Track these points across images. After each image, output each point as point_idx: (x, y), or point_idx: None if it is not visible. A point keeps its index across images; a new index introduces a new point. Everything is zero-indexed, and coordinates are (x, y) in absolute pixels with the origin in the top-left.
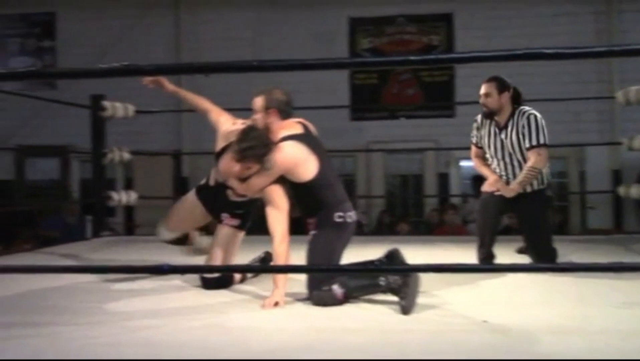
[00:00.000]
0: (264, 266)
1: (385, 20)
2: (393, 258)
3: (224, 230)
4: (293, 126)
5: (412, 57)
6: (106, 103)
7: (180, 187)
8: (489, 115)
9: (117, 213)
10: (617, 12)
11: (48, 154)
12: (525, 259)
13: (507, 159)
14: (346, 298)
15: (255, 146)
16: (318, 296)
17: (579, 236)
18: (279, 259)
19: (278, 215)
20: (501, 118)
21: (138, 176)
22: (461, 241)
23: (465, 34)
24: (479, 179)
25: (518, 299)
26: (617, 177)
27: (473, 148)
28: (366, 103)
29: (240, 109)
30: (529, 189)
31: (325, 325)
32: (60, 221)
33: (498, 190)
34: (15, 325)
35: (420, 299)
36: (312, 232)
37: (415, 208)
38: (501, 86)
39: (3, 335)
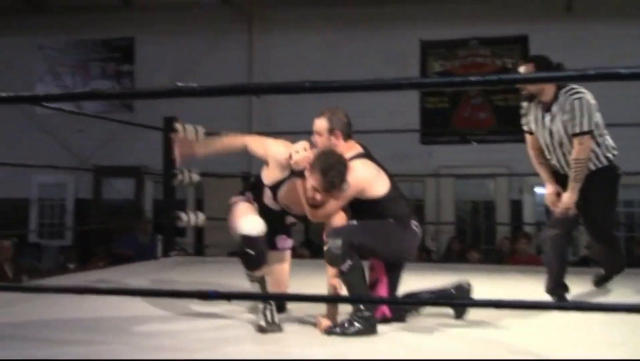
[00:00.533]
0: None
1: (458, 43)
2: (461, 290)
3: (279, 257)
4: (355, 147)
5: (472, 78)
6: (178, 125)
7: None
8: (529, 98)
9: (187, 233)
10: None
11: (124, 174)
12: (604, 293)
13: (558, 149)
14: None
15: (340, 173)
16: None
17: None
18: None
19: None
20: (545, 100)
21: (208, 197)
22: (533, 271)
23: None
24: None
25: (593, 337)
26: None
27: (527, 138)
28: (437, 127)
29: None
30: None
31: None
32: (133, 240)
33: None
34: (70, 343)
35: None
36: (391, 220)
37: (486, 235)
38: (540, 64)
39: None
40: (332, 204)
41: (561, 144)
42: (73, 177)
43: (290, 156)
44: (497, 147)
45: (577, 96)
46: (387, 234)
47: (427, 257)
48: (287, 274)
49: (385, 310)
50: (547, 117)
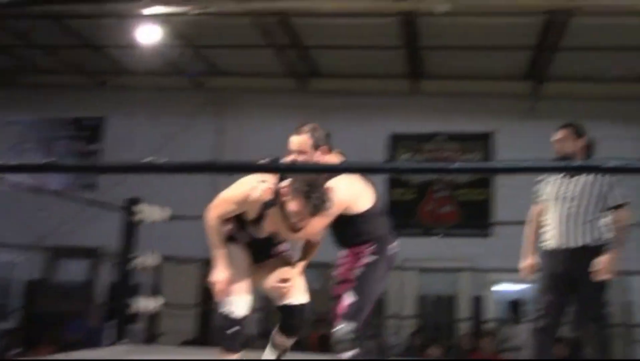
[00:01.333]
0: None
1: (426, 137)
2: None
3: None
4: (340, 157)
5: (453, 167)
6: (141, 206)
7: (207, 296)
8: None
9: (140, 319)
10: None
11: (80, 255)
12: None
13: (575, 216)
14: None
15: (322, 195)
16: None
17: None
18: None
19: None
20: None
21: (165, 282)
22: None
23: (505, 153)
24: (516, 304)
25: None
26: None
27: (534, 209)
28: (402, 219)
29: None
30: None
31: None
32: (83, 325)
33: None
34: None
35: None
36: (370, 258)
37: (447, 331)
38: (578, 131)
39: None
40: (317, 223)
41: (583, 213)
42: (25, 257)
43: (250, 195)
44: (461, 241)
45: None
46: (378, 287)
47: (387, 352)
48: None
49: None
50: (577, 187)
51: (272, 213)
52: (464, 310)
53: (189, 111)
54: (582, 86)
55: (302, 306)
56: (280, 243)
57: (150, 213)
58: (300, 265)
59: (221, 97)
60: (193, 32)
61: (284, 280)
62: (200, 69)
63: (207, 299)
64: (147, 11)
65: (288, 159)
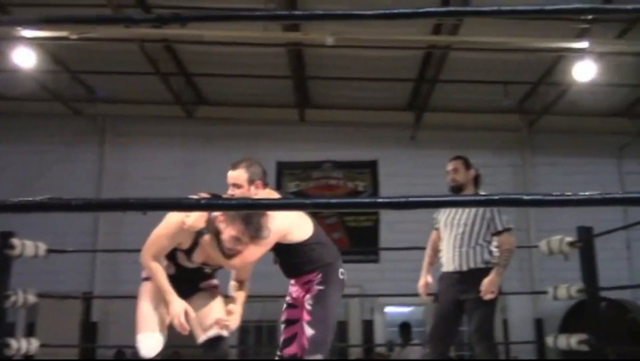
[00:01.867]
0: None
1: (312, 165)
2: None
3: (204, 295)
4: (274, 194)
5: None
6: (15, 241)
7: (89, 333)
8: (456, 190)
9: None
10: (531, 166)
11: None
12: None
13: (467, 242)
14: None
15: (261, 219)
16: None
17: None
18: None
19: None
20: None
21: (42, 320)
22: None
23: (389, 181)
24: (406, 326)
25: None
26: (539, 326)
27: (433, 235)
28: None
29: None
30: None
31: None
32: None
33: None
34: None
35: None
36: (319, 287)
37: (339, 355)
38: (467, 163)
39: None
40: (253, 251)
41: (469, 238)
42: None
43: (184, 222)
44: (350, 267)
45: None
46: (331, 311)
47: None
48: (213, 310)
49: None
50: (464, 214)
51: (206, 241)
52: (354, 334)
53: (68, 140)
54: (460, 117)
55: (215, 339)
56: (211, 276)
57: (24, 248)
58: (238, 303)
59: (103, 124)
60: (73, 57)
61: (223, 319)
62: (80, 94)
63: (89, 336)
64: (24, 34)
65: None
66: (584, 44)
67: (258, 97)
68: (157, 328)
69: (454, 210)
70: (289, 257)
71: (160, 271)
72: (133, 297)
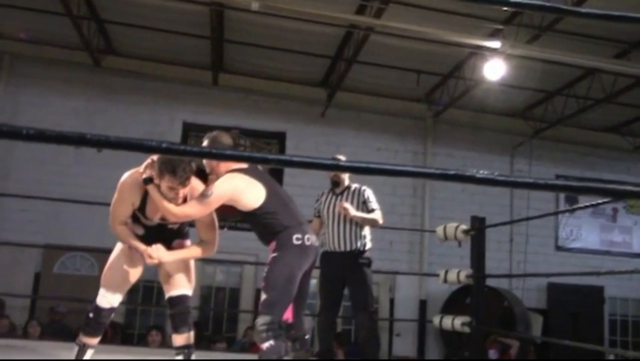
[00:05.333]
0: None
1: (220, 129)
2: None
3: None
4: (238, 164)
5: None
6: None
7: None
8: (335, 185)
9: None
10: (431, 155)
11: None
12: None
13: (342, 226)
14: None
15: (188, 166)
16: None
17: None
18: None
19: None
20: (341, 188)
21: None
22: None
23: (296, 153)
24: None
25: None
26: (423, 306)
27: (314, 221)
28: None
29: None
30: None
31: None
32: None
33: None
34: None
35: None
36: (273, 254)
37: (229, 323)
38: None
39: None
40: (195, 205)
41: (344, 223)
42: None
43: (124, 181)
44: (246, 235)
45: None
46: (291, 275)
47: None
48: (181, 265)
49: (289, 315)
50: (339, 199)
51: (150, 191)
52: (246, 302)
53: None
54: (370, 99)
55: (179, 297)
56: (183, 235)
57: None
58: (182, 254)
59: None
60: None
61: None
62: None
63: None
64: None
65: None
66: (496, 44)
67: (171, 54)
68: (115, 289)
69: (334, 200)
70: (252, 226)
71: (125, 232)
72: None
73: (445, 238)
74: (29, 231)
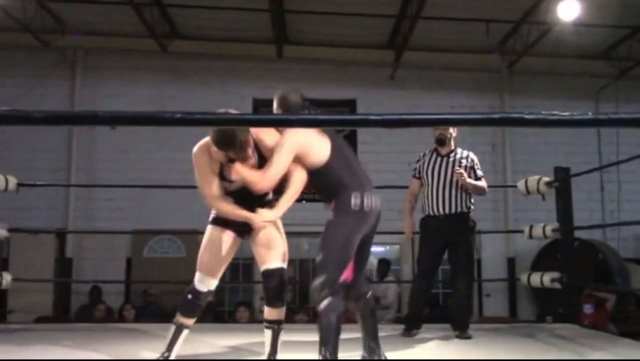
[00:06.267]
0: None
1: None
2: None
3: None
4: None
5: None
6: None
7: (64, 269)
8: (442, 143)
9: None
10: (509, 107)
11: None
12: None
13: (447, 189)
14: None
15: (237, 133)
16: None
17: (477, 324)
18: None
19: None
20: (447, 150)
21: (15, 256)
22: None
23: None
24: (384, 262)
25: None
26: (512, 265)
27: (413, 182)
28: None
29: None
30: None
31: None
32: None
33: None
34: None
35: None
36: (331, 216)
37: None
38: None
39: None
40: (270, 166)
41: (450, 186)
42: None
43: (197, 151)
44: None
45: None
46: (347, 241)
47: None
48: (276, 239)
49: (348, 274)
50: (444, 162)
51: (233, 172)
52: None
53: (37, 73)
54: (440, 56)
55: (275, 271)
56: (271, 205)
57: None
58: (271, 215)
59: (74, 57)
60: None
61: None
62: (49, 25)
63: (64, 271)
64: None
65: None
66: None
67: (234, 31)
68: (212, 273)
69: (438, 162)
70: (313, 184)
71: (228, 205)
72: (107, 232)
73: (528, 192)
74: (118, 218)
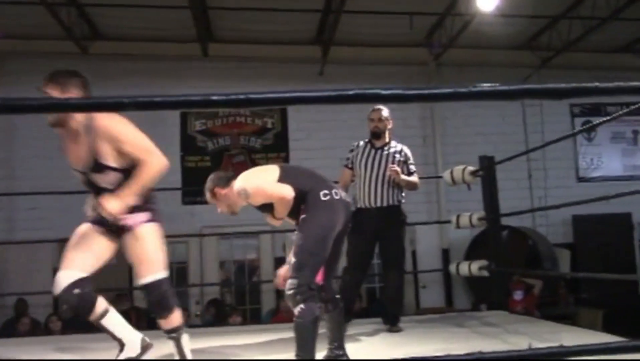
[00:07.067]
0: None
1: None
2: None
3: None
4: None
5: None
6: None
7: None
8: (377, 136)
9: None
10: (441, 105)
11: None
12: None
13: (380, 182)
14: None
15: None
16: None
17: (415, 316)
18: None
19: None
20: (382, 143)
21: None
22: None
23: (298, 116)
24: None
25: None
26: (446, 256)
27: (345, 172)
28: (198, 186)
29: None
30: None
31: None
32: None
33: None
34: None
35: None
36: (302, 216)
37: (252, 294)
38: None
39: None
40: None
41: (383, 179)
42: None
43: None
44: None
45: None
46: (312, 239)
47: (190, 323)
48: (145, 250)
49: (320, 277)
50: (378, 155)
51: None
52: (267, 272)
53: None
54: (367, 50)
55: (148, 286)
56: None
57: None
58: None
59: None
60: None
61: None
62: None
63: None
64: None
65: None
66: None
67: (157, 30)
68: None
69: (372, 154)
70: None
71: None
72: (30, 242)
73: (454, 182)
74: (41, 228)
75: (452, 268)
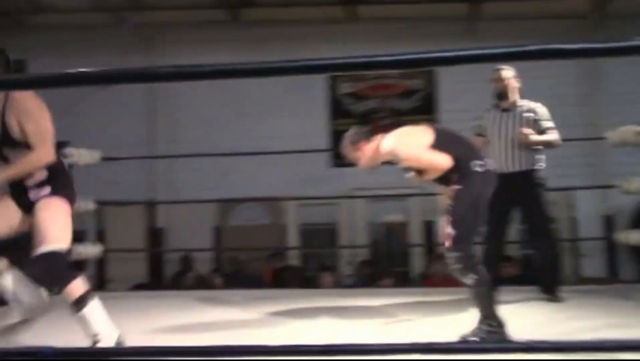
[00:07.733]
0: None
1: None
2: None
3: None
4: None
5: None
6: (70, 149)
7: (156, 238)
8: (502, 97)
9: (87, 267)
10: (602, 60)
11: None
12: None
13: (510, 145)
14: None
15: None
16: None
17: (575, 286)
18: None
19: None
20: (508, 103)
21: (110, 227)
22: (450, 293)
23: (447, 78)
24: None
25: None
26: (609, 223)
27: (476, 140)
28: None
29: None
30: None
31: None
32: None
33: None
34: None
35: None
36: (456, 187)
37: (400, 257)
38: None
39: None
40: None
41: (513, 143)
42: None
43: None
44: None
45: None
46: (468, 209)
47: (340, 283)
48: (43, 226)
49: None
50: (507, 118)
51: None
52: (415, 235)
53: (114, 50)
54: (519, 5)
55: (34, 260)
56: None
57: (79, 156)
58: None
59: (150, 33)
60: None
61: None
62: (125, 3)
63: (155, 241)
64: None
65: None
66: None
67: None
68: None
69: (500, 118)
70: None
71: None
72: (194, 201)
73: (621, 143)
74: (204, 187)
75: (622, 236)
